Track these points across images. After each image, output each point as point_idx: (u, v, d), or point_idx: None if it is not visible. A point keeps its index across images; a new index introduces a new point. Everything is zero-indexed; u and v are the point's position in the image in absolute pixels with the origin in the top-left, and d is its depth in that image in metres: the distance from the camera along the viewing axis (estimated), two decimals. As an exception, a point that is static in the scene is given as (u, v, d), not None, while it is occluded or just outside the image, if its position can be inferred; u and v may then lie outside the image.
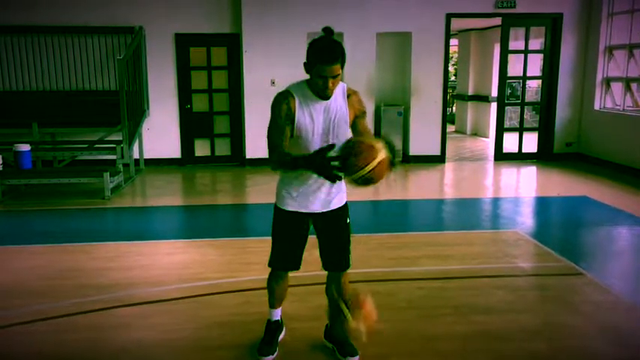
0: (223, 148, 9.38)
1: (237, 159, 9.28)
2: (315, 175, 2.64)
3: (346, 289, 3.00)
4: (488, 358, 3.11)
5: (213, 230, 5.77)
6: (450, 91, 15.49)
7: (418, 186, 8.03)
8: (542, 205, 7.08)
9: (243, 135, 9.04)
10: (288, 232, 2.91)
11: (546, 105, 9.45)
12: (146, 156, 9.03)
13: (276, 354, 3.08)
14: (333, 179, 2.40)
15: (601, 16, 8.75)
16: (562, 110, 9.35)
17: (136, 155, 8.62)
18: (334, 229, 2.92)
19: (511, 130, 10.00)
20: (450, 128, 13.97)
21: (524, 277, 4.43)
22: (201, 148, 9.34)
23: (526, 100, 10.16)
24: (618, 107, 8.69)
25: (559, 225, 6.22)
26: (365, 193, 7.55)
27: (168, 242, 5.38)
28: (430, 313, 3.68)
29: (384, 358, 3.08)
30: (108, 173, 6.92)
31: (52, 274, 4.44)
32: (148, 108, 8.89)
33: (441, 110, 9.20)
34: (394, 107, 9.16)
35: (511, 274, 4.44)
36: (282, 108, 2.66)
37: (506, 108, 10.38)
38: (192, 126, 9.19)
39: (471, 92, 13.19)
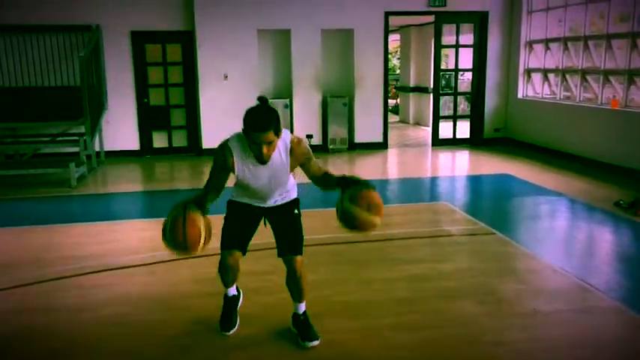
0: (180, 140, 9.96)
1: (193, 149, 9.89)
2: (259, 193, 3.04)
3: (303, 273, 3.20)
4: (410, 292, 3.94)
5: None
6: (394, 83, 16.48)
7: (363, 169, 8.86)
8: (470, 182, 8.03)
9: (199, 126, 9.65)
10: (239, 215, 3.14)
11: (476, 94, 10.45)
12: (106, 148, 9.52)
13: (237, 326, 3.37)
14: None
15: (522, 14, 9.78)
16: (490, 99, 10.34)
17: (96, 148, 9.10)
18: (285, 218, 3.17)
19: (447, 118, 10.96)
20: (395, 118, 14.93)
21: (445, 237, 5.28)
22: (159, 140, 9.89)
23: (460, 91, 11.13)
24: (538, 95, 9.74)
25: (482, 198, 7.18)
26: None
27: (136, 221, 6.03)
28: (367, 265, 4.49)
29: (326, 298, 3.83)
30: (74, 163, 7.44)
31: (34, 249, 5.02)
32: (106, 102, 9.39)
33: (382, 100, 10.06)
34: (340, 98, 9.94)
35: (436, 235, 5.30)
36: (218, 161, 2.89)
37: (444, 98, 11.38)
38: (149, 119, 9.74)
39: (412, 84, 14.15)
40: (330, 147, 9.96)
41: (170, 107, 9.84)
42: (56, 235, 5.43)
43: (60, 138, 8.57)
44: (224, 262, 3.18)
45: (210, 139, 9.47)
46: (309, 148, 3.02)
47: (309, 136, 9.89)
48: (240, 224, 3.15)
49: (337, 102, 9.91)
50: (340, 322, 3.49)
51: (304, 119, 9.84)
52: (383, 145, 10.20)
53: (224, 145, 2.88)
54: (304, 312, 3.33)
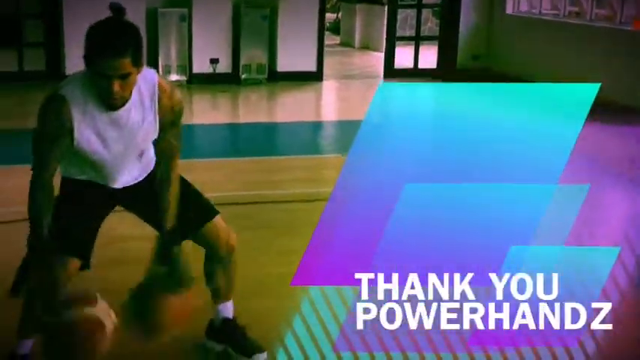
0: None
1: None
2: (110, 167, 2.69)
3: (233, 242, 2.95)
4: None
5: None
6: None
7: (286, 108, 9.03)
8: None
9: (62, 45, 9.46)
10: (80, 202, 2.78)
11: (449, 9, 10.68)
12: None
13: None
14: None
15: None
16: (467, 15, 10.54)
17: None
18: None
19: (407, 39, 11.20)
20: (335, 40, 15.06)
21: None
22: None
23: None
24: (534, 11, 9.99)
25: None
26: (220, 116, 8.42)
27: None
28: (292, 230, 4.67)
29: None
30: None
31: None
32: None
33: (317, 15, 10.19)
34: (258, 9, 9.93)
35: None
36: (50, 129, 2.49)
37: (404, 12, 11.63)
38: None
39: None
40: (243, 76, 9.98)
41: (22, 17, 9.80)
42: None
43: None
44: (51, 274, 2.57)
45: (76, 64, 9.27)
46: (182, 105, 2.71)
47: (214, 61, 9.88)
48: (81, 216, 2.72)
49: (254, 14, 9.89)
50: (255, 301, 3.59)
51: (207, 37, 9.82)
52: (316, 76, 10.33)
53: (54, 99, 2.49)
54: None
